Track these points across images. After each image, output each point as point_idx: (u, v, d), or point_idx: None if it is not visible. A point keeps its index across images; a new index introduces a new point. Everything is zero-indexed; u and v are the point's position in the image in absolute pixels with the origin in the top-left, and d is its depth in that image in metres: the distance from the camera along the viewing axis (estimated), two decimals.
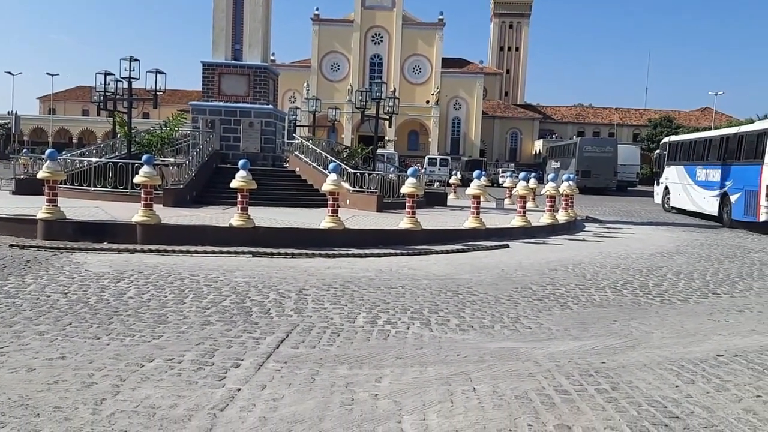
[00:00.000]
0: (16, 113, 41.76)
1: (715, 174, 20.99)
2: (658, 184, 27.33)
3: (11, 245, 10.11)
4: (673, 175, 24.95)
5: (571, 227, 16.85)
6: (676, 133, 67.75)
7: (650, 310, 7.52)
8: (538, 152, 75.84)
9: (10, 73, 64.91)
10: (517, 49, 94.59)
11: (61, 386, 4.27)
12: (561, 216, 17.04)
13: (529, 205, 17.66)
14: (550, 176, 18.23)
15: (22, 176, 19.14)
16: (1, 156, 49.49)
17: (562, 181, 18.15)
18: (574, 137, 61.66)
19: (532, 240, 14.09)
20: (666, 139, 28.80)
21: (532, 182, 18.30)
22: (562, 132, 79.66)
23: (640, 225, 19.68)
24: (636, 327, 6.66)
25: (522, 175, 18.38)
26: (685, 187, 23.84)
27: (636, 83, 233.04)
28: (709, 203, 21.28)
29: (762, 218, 17.72)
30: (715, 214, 20.71)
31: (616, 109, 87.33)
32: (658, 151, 29.42)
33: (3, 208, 12.56)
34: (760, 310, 7.78)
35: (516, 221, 14.99)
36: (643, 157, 55.22)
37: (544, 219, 16.06)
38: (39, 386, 4.25)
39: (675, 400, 4.49)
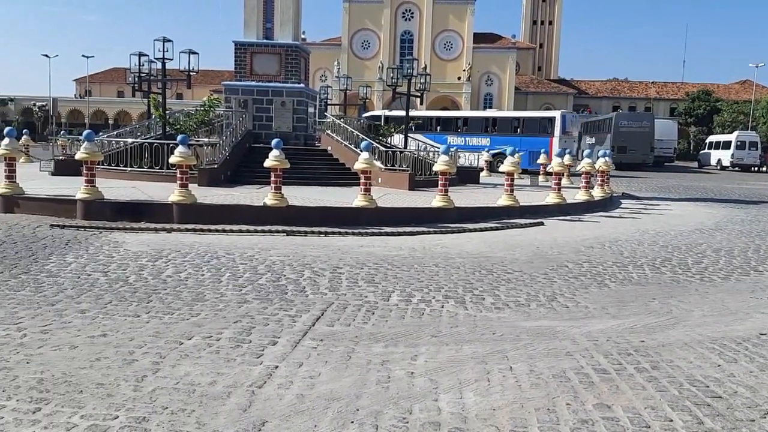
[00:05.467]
0: (53, 99, 43.05)
1: (481, 141, 32.52)
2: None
3: (52, 225, 10.32)
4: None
5: (607, 204, 16.58)
6: (716, 107, 66.15)
7: (690, 288, 7.37)
8: None
9: (46, 56, 65.87)
10: (550, 22, 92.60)
11: (103, 363, 4.36)
12: (597, 193, 16.78)
13: (564, 182, 17.43)
14: (586, 152, 18.02)
15: (60, 157, 19.47)
16: (40, 138, 50.46)
17: (598, 157, 17.84)
18: (611, 112, 60.43)
19: (567, 217, 13.91)
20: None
21: (567, 159, 18.02)
22: (597, 107, 78.11)
23: (678, 201, 19.29)
24: (675, 305, 6.53)
25: (557, 151, 18.10)
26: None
27: (673, 56, 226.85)
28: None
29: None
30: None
31: (652, 83, 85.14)
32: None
33: (43, 189, 12.83)
34: None
35: (550, 198, 14.81)
36: (680, 131, 53.87)
37: (580, 196, 15.83)
38: (82, 363, 4.34)
39: (717, 379, 4.40)
